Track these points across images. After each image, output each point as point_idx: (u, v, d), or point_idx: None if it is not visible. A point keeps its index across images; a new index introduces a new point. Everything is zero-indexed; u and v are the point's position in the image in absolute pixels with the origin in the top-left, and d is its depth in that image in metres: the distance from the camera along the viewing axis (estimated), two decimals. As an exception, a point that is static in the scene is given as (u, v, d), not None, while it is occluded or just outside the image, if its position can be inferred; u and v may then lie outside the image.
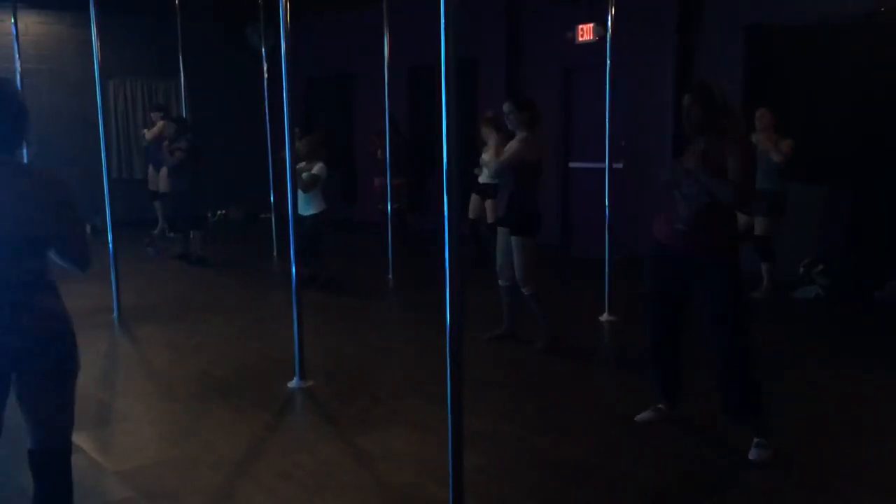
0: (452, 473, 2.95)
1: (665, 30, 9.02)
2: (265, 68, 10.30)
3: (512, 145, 5.57)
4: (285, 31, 4.90)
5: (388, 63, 8.45)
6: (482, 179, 8.37)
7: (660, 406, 4.34)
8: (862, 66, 7.60)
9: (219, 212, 13.90)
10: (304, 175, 7.60)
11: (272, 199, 10.49)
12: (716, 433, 4.19)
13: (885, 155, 7.53)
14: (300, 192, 7.55)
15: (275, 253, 10.23)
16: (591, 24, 9.57)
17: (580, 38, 9.85)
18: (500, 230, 5.77)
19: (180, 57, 11.51)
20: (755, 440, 3.86)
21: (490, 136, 7.70)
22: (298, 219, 7.45)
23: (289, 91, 4.99)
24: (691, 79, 8.95)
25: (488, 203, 8.40)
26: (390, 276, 8.54)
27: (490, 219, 8.36)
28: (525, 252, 5.60)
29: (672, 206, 3.93)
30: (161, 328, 6.66)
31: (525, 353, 5.84)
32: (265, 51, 10.28)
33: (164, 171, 10.22)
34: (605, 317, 6.65)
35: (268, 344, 6.07)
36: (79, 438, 4.19)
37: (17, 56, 8.19)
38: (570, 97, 10.47)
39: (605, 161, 6.79)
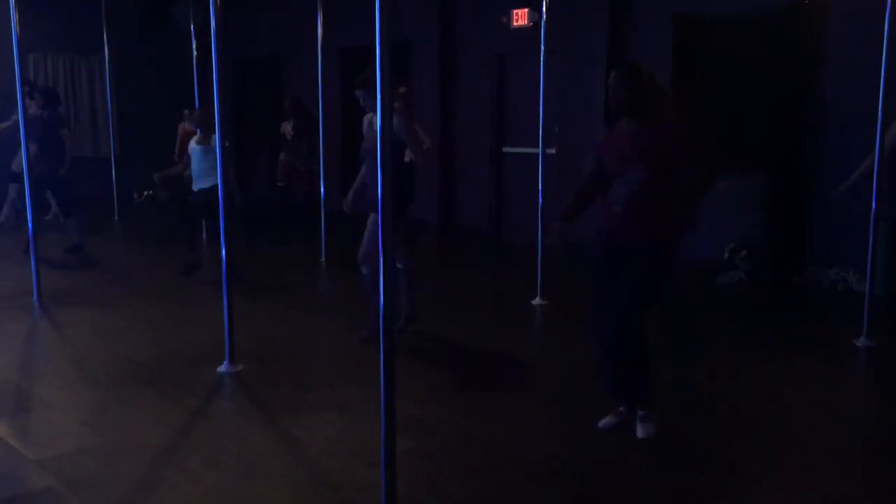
0: (385, 457, 2.94)
1: (598, 16, 9.11)
2: (194, 46, 10.05)
3: (399, 127, 5.03)
4: (215, 7, 4.77)
5: (321, 44, 8.34)
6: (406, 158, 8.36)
7: (620, 409, 4.07)
8: (783, 54, 7.83)
9: (145, 192, 13.55)
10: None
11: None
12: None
13: (802, 142, 7.81)
14: (194, 167, 7.50)
15: (203, 234, 10.01)
16: (526, 9, 9.61)
17: (515, 23, 9.88)
18: (372, 216, 5.32)
19: (104, 32, 11.15)
20: (639, 413, 3.94)
21: (403, 112, 7.79)
22: (193, 195, 7.48)
23: (219, 71, 4.87)
24: (620, 66, 9.09)
25: None
26: (323, 258, 8.47)
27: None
28: (399, 229, 5.22)
29: (612, 189, 3.84)
30: (84, 312, 6.45)
31: (452, 334, 5.86)
32: (194, 28, 10.02)
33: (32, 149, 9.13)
34: (537, 301, 6.72)
35: (196, 328, 5.95)
36: (-4, 426, 4.05)
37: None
38: (505, 82, 10.50)
39: (538, 146, 6.84)
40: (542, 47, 6.67)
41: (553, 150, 9.12)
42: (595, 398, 4.31)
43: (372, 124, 5.23)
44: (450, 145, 11.10)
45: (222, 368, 4.96)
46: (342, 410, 4.39)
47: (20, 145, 9.15)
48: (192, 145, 7.60)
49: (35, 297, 6.61)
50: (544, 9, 6.61)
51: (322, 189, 8.69)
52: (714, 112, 8.24)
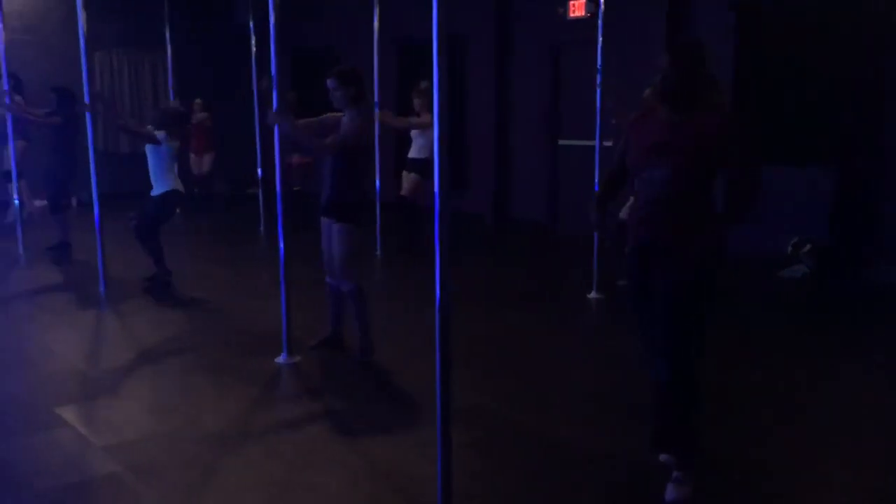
0: (441, 448, 2.95)
1: (657, 5, 8.96)
2: (252, 41, 10.20)
3: (344, 124, 4.90)
4: (274, 3, 4.84)
5: (377, 36, 8.40)
6: (412, 155, 8.39)
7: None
8: (851, 41, 7.60)
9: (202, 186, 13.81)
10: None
11: (259, 173, 10.43)
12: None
13: (871, 132, 7.57)
14: (151, 168, 6.85)
15: (261, 228, 10.18)
16: (583, 0, 9.51)
17: (571, 14, 9.79)
18: (324, 220, 5.05)
19: (167, 29, 11.39)
20: (675, 474, 3.33)
21: (423, 109, 7.90)
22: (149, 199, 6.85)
23: (277, 65, 4.94)
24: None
25: (413, 177, 8.36)
26: (378, 251, 8.52)
27: (406, 192, 8.40)
28: (346, 242, 4.91)
29: (640, 189, 3.33)
30: (147, 302, 6.63)
31: (506, 327, 5.85)
32: (253, 23, 10.17)
33: (6, 148, 8.94)
34: (592, 294, 6.66)
35: (254, 319, 6.06)
36: (65, 413, 4.19)
37: (0, 27, 8.05)
38: (560, 74, 10.42)
39: (595, 139, 6.77)
40: (600, 38, 6.59)
41: (610, 143, 9.00)
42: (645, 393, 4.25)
43: (324, 121, 5.03)
44: (505, 138, 11.07)
45: (280, 359, 5.04)
46: (397, 401, 4.42)
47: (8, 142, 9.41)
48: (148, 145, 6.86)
49: (101, 288, 6.81)
50: (601, -1, 6.54)
51: (378, 182, 8.75)
52: (778, 101, 8.04)
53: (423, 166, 8.20)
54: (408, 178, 8.45)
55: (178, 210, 7.16)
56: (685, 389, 3.27)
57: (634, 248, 3.35)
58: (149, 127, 7.00)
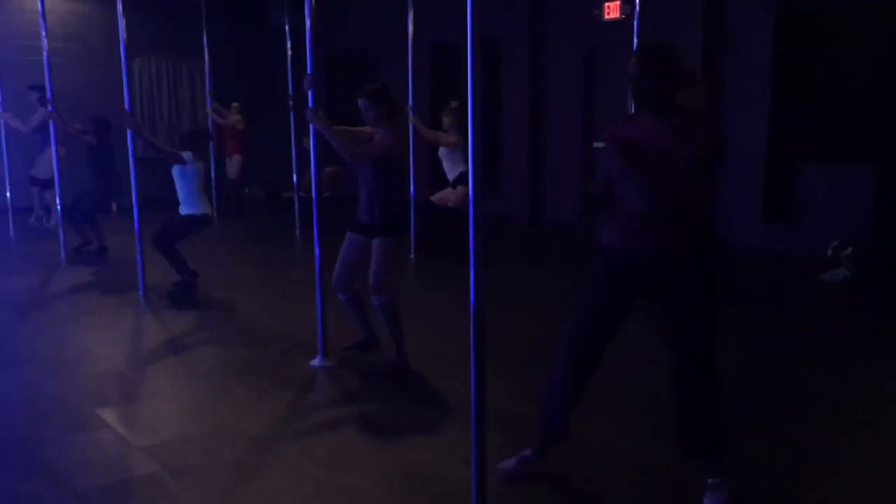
0: (475, 452, 2.95)
1: (693, 7, 8.88)
2: (288, 46, 10.29)
3: (377, 139, 4.88)
4: (310, 8, 4.88)
5: (411, 39, 8.43)
6: (449, 177, 8.42)
7: (527, 452, 3.55)
8: (891, 43, 7.46)
9: (245, 189, 13.97)
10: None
11: (295, 178, 10.52)
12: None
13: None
14: (179, 190, 6.93)
15: (297, 232, 10.26)
16: (618, 2, 9.46)
17: (606, 16, 9.74)
18: (351, 234, 5.03)
19: (204, 35, 11.55)
20: (710, 481, 3.24)
21: (452, 128, 7.92)
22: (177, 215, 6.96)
23: (313, 69, 4.97)
24: (718, 58, 8.84)
25: (461, 188, 8.33)
26: (411, 254, 8.54)
27: (455, 203, 8.33)
28: (387, 256, 4.88)
29: (629, 199, 3.17)
30: (185, 305, 6.71)
31: (540, 330, 5.82)
32: (288, 28, 10.27)
33: (46, 155, 9.36)
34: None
35: (290, 322, 6.11)
36: (105, 413, 4.26)
37: (43, 34, 8.22)
38: (595, 76, 10.37)
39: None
40: (635, 40, 6.54)
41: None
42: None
43: (357, 134, 5.00)
44: (539, 141, 11.04)
45: (315, 362, 5.08)
46: (432, 404, 4.43)
47: (41, 150, 9.77)
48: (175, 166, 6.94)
49: (140, 292, 6.91)
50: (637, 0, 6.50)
51: (412, 186, 8.78)
52: (818, 100, 7.92)
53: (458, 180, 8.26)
54: (455, 193, 8.44)
55: (203, 232, 7.21)
56: (709, 385, 3.18)
57: (620, 260, 3.25)
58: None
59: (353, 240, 5.01)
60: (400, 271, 8.25)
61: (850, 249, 7.29)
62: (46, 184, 9.73)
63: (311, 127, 4.97)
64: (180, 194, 6.95)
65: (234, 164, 12.10)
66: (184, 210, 6.96)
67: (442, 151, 8.37)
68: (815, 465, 3.67)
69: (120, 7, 6.61)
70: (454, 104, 8.14)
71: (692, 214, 3.07)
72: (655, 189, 3.02)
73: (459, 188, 8.32)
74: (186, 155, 6.87)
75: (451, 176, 8.39)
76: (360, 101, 4.81)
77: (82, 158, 8.99)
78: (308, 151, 5.16)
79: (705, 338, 3.15)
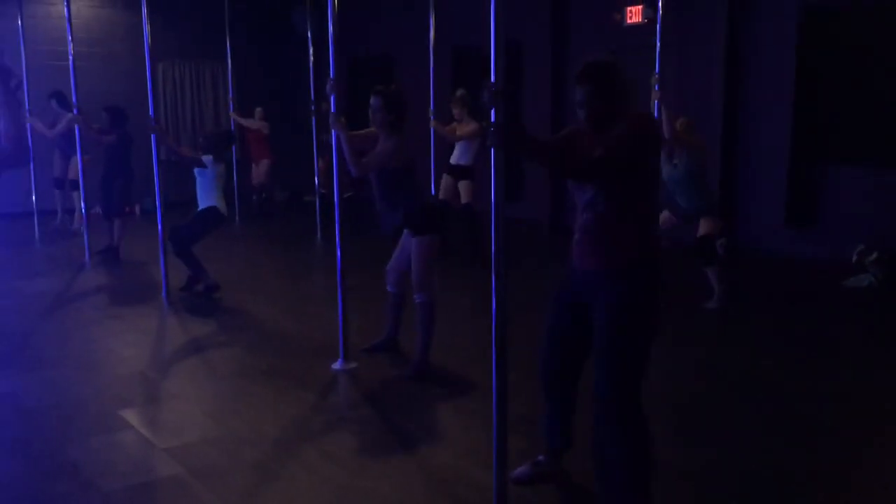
0: (496, 457, 2.94)
1: (716, 11, 8.83)
2: (311, 51, 10.35)
3: (377, 149, 4.87)
4: (333, 13, 4.91)
5: (433, 43, 8.46)
6: (453, 160, 8.36)
7: (539, 458, 3.50)
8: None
9: (263, 193, 14.04)
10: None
11: (317, 181, 10.56)
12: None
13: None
14: (198, 188, 7.10)
15: (318, 235, 10.30)
16: (640, 6, 9.43)
17: (628, 20, 9.71)
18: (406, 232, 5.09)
19: (227, 40, 11.63)
20: None
21: (463, 117, 7.94)
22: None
23: (336, 73, 5.00)
24: (741, 61, 8.77)
25: (462, 184, 8.30)
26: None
27: (464, 199, 8.29)
28: (424, 254, 4.93)
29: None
30: (207, 308, 6.75)
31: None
32: (311, 33, 10.33)
33: (74, 158, 9.52)
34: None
35: (311, 325, 6.13)
36: (128, 415, 4.30)
37: (69, 40, 8.32)
38: (617, 80, 10.33)
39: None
40: (658, 43, 6.52)
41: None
42: (701, 401, 4.17)
43: (364, 135, 5.02)
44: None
45: (336, 365, 5.09)
46: (453, 408, 4.43)
47: (65, 155, 9.91)
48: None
49: (163, 294, 6.97)
50: (660, 4, 6.47)
51: (433, 188, 8.78)
52: (842, 103, 7.85)
53: (460, 171, 8.23)
54: (462, 185, 8.40)
55: (217, 229, 7.25)
56: (620, 447, 2.90)
57: (574, 275, 3.14)
58: (198, 152, 7.17)
59: (404, 235, 5.12)
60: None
61: (875, 255, 7.20)
62: (74, 185, 9.86)
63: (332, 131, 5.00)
64: (199, 193, 7.07)
65: (261, 169, 12.17)
66: (202, 205, 7.07)
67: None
68: (836, 470, 3.63)
69: (145, 12, 6.68)
70: (460, 92, 8.14)
71: (613, 228, 2.95)
72: (597, 203, 2.96)
73: (461, 182, 8.29)
74: (206, 159, 6.98)
75: (454, 160, 8.36)
76: (373, 99, 4.82)
77: (102, 159, 8.94)
78: (327, 145, 5.20)
79: (610, 384, 2.87)
